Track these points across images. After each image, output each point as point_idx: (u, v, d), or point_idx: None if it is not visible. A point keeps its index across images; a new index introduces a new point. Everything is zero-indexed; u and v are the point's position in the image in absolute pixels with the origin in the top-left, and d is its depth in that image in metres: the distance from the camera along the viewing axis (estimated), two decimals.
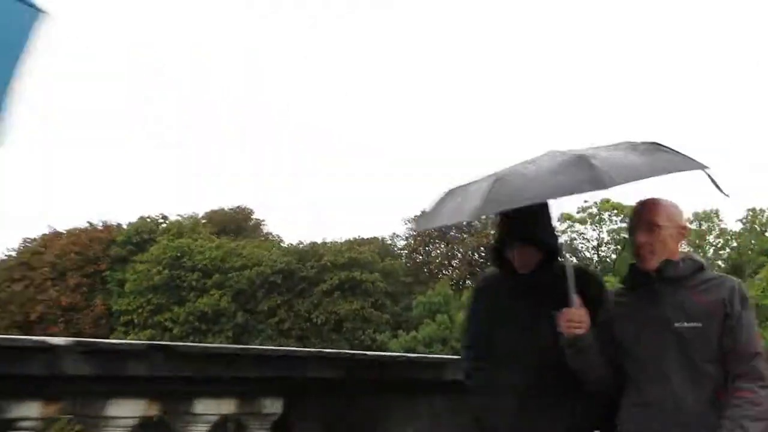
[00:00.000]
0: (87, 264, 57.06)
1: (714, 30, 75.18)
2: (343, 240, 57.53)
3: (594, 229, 51.28)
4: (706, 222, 55.64)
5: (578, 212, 50.45)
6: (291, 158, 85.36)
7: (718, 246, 54.77)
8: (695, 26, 77.35)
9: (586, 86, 78.18)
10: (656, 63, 75.89)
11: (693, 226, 55.07)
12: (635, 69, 74.75)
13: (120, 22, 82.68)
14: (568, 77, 79.28)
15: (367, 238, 60.14)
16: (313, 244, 56.41)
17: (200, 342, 50.71)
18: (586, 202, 50.23)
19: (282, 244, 59.49)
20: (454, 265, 59.02)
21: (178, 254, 54.56)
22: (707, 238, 55.40)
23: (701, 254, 54.21)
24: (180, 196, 77.32)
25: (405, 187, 79.25)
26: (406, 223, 60.40)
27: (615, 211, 50.82)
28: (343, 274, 53.40)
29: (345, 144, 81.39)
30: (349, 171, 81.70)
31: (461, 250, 58.20)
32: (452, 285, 57.27)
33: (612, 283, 43.23)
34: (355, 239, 57.61)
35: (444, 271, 59.01)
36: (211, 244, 55.47)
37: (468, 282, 59.26)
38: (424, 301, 52.89)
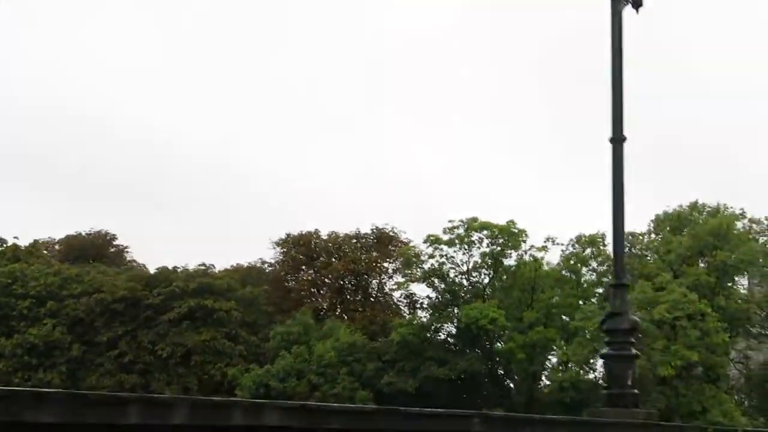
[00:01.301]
0: None
1: None
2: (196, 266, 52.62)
3: (464, 253, 47.40)
4: (590, 246, 52.39)
5: (445, 233, 46.61)
6: (169, 188, 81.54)
7: (600, 272, 51.50)
8: None
9: None
10: None
11: (577, 250, 52.10)
12: None
13: None
14: None
15: (232, 267, 55.61)
16: (163, 269, 51.41)
17: (30, 378, 45.39)
18: (451, 222, 46.53)
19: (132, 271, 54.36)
20: (323, 292, 54.60)
21: (9, 280, 49.10)
22: (590, 263, 52.23)
23: (580, 279, 51.07)
24: (43, 220, 71.96)
25: (277, 211, 76.12)
26: (274, 248, 55.94)
27: (485, 232, 47.17)
28: (194, 302, 48.55)
29: (220, 171, 78.40)
30: (222, 197, 78.40)
31: (330, 276, 53.85)
32: (318, 313, 52.97)
33: (481, 309, 38.39)
34: (210, 266, 52.74)
35: (311, 299, 54.54)
36: (48, 270, 50.10)
37: (338, 310, 55.02)
38: (281, 332, 48.47)
